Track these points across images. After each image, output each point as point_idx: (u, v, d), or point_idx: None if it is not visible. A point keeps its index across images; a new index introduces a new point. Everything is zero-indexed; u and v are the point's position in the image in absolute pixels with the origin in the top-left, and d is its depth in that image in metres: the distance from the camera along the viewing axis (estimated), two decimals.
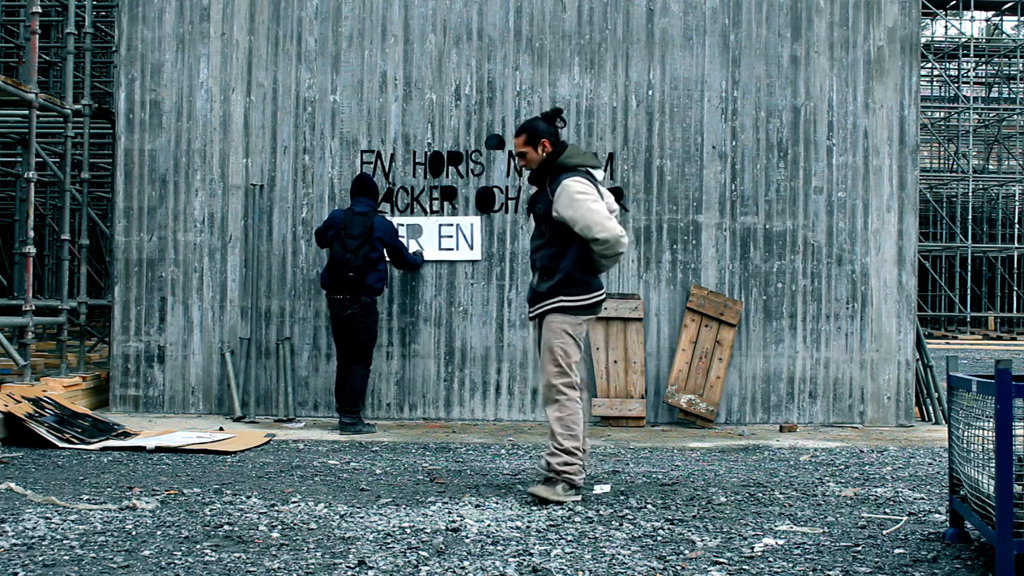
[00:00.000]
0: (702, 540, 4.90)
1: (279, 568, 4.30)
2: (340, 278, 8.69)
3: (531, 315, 6.19)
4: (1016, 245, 28.59)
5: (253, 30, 9.70)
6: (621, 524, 5.24)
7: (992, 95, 31.66)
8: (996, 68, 31.64)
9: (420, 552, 4.59)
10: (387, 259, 8.96)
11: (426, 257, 9.51)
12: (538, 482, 5.99)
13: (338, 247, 8.71)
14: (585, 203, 5.90)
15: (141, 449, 7.55)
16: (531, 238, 6.34)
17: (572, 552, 4.64)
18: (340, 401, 8.82)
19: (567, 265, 5.99)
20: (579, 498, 5.86)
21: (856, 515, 5.52)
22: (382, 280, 8.84)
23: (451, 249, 9.58)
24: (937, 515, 5.51)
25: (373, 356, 9.03)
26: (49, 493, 5.80)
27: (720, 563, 4.48)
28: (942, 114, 29.86)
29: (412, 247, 9.51)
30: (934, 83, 31.30)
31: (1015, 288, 29.71)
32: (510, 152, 9.59)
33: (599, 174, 6.21)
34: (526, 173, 9.52)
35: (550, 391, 6.00)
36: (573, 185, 5.94)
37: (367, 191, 8.90)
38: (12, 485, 5.87)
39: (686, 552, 4.67)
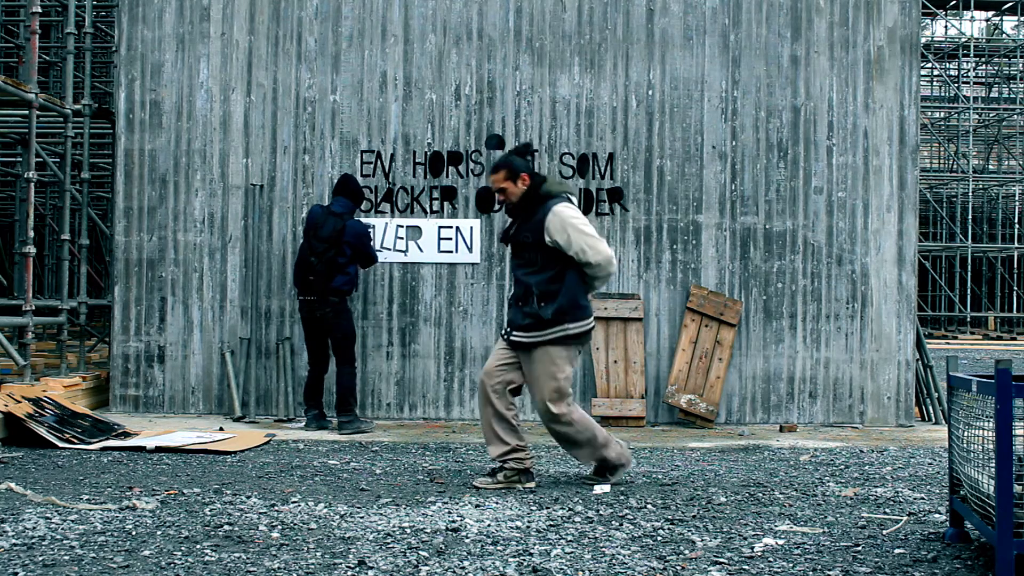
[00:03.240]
0: (702, 540, 4.90)
1: (279, 568, 4.30)
2: (304, 279, 8.72)
3: (529, 341, 6.24)
4: (1016, 245, 28.59)
5: (253, 30, 9.69)
6: (621, 524, 5.24)
7: (992, 95, 31.66)
8: (996, 68, 31.64)
9: (420, 552, 4.59)
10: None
11: (426, 259, 9.53)
12: (596, 481, 6.43)
13: (305, 247, 8.77)
14: (577, 227, 6.19)
15: (141, 449, 7.55)
16: (513, 266, 6.53)
17: (572, 552, 4.64)
18: (307, 402, 8.91)
19: (568, 290, 6.21)
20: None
21: (856, 515, 5.52)
22: (351, 283, 8.82)
23: (450, 252, 9.59)
24: (937, 515, 5.51)
25: (372, 355, 9.03)
26: (49, 493, 5.80)
27: (720, 563, 4.48)
28: (942, 114, 29.86)
29: (412, 249, 9.51)
30: (934, 83, 31.29)
31: (1015, 288, 29.71)
32: None
33: (574, 200, 6.55)
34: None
35: (558, 420, 6.29)
36: (564, 211, 6.22)
37: (347, 192, 8.89)
38: (12, 485, 5.87)
39: (686, 552, 4.68)
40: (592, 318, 6.38)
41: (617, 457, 6.39)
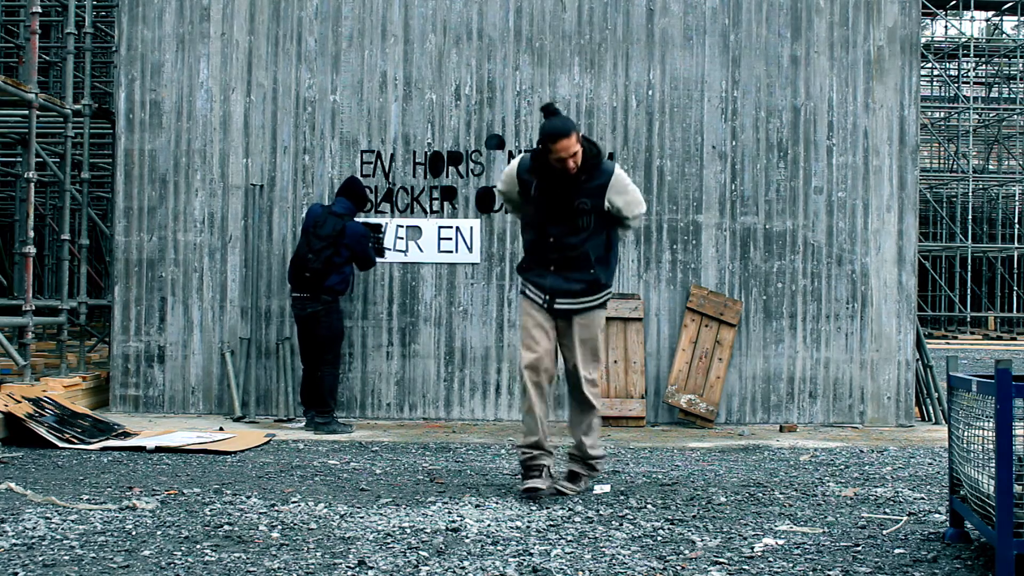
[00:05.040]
0: (702, 540, 4.90)
1: (279, 568, 4.30)
2: (299, 276, 8.73)
3: (580, 307, 6.00)
4: (1016, 245, 28.58)
5: (253, 30, 9.70)
6: (621, 524, 5.24)
7: (992, 95, 31.66)
8: (996, 68, 31.64)
9: (420, 552, 4.59)
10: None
11: (426, 259, 9.55)
12: (564, 479, 6.11)
13: (303, 244, 8.78)
14: (633, 188, 6.11)
15: (141, 449, 7.55)
16: (555, 233, 5.98)
17: (572, 552, 4.64)
18: (305, 402, 8.88)
19: (616, 254, 6.17)
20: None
21: (856, 515, 5.52)
22: (345, 282, 8.82)
23: (450, 252, 9.59)
24: (937, 515, 5.51)
25: (372, 355, 9.02)
26: (49, 493, 5.80)
27: (720, 563, 4.48)
28: (942, 114, 29.86)
29: (412, 249, 9.52)
30: (934, 83, 31.29)
31: (1015, 288, 29.71)
32: (510, 152, 9.59)
33: None
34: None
35: (594, 384, 6.10)
36: (621, 173, 6.06)
37: (350, 193, 8.90)
38: (12, 485, 5.88)
39: (686, 552, 4.68)
40: None
41: (600, 460, 6.26)
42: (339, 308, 8.89)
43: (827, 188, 9.61)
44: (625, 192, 6.00)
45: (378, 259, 9.32)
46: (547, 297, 6.01)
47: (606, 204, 5.95)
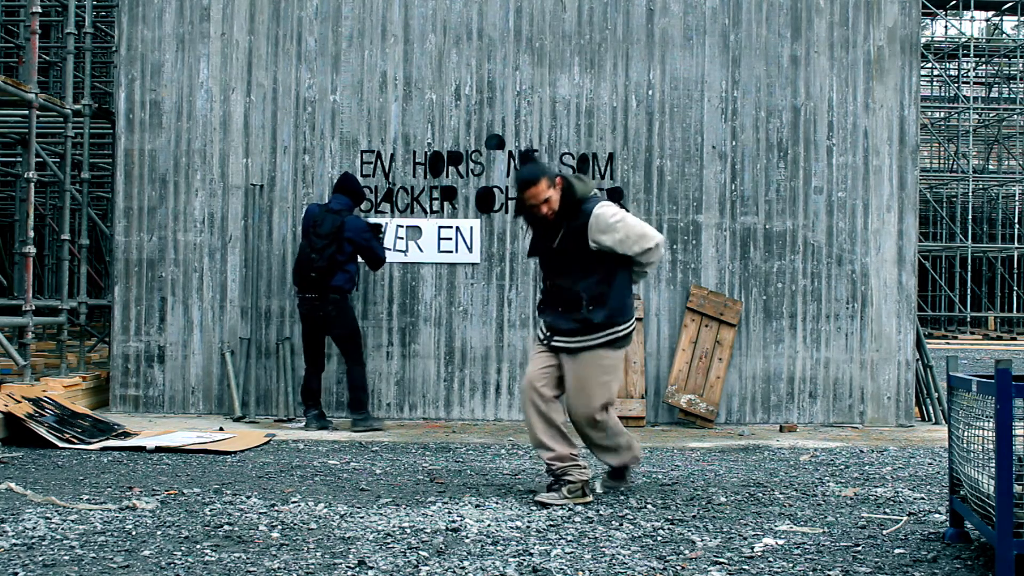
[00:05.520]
0: (702, 540, 4.90)
1: (279, 568, 4.30)
2: (305, 277, 8.73)
3: (576, 346, 5.87)
4: (1016, 245, 28.59)
5: (253, 30, 9.69)
6: (621, 524, 5.24)
7: (992, 95, 31.66)
8: (996, 68, 31.64)
9: (420, 552, 4.59)
10: (359, 258, 8.91)
11: (426, 259, 9.54)
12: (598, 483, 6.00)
13: (305, 244, 8.77)
14: (624, 220, 5.84)
15: (141, 449, 7.55)
16: (549, 274, 6.00)
17: (572, 552, 4.64)
18: (305, 402, 8.90)
19: (618, 292, 5.88)
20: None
21: (856, 515, 5.52)
22: (351, 280, 8.82)
23: (450, 252, 9.59)
24: (937, 515, 5.51)
25: (372, 355, 9.00)
26: (49, 493, 5.81)
27: (720, 563, 4.48)
28: (942, 114, 29.87)
29: (412, 249, 9.52)
30: (934, 83, 31.30)
31: (1015, 288, 29.71)
32: (510, 152, 9.59)
33: (599, 195, 6.13)
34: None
35: (596, 427, 5.91)
36: (604, 211, 5.81)
37: (346, 190, 8.89)
38: (12, 485, 5.88)
39: (686, 552, 4.68)
40: (634, 315, 6.05)
41: (634, 459, 6.21)
42: (350, 306, 8.90)
43: (827, 188, 9.61)
44: (612, 230, 5.77)
45: None
46: (548, 333, 5.97)
47: (592, 245, 5.79)
